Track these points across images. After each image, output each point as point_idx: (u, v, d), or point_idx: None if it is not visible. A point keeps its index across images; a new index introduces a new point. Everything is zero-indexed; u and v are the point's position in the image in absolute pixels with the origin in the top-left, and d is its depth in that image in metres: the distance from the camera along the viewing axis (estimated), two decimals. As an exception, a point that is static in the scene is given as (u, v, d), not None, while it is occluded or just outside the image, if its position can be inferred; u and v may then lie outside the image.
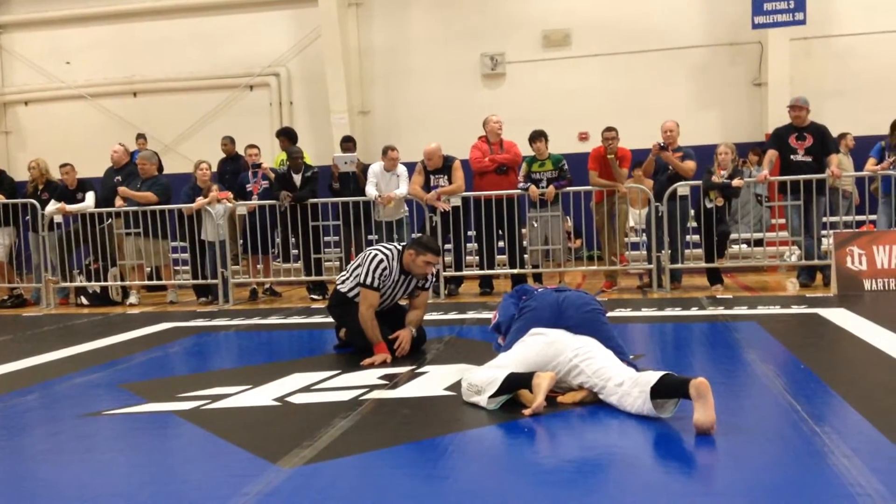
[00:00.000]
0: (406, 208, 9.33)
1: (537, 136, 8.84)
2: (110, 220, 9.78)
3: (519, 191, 8.89)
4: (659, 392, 3.51)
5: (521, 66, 13.07)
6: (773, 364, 4.78)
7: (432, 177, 9.06)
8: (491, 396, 3.82)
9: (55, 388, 4.98)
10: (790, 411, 3.66)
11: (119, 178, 10.20)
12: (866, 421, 3.43)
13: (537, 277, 9.23)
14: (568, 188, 8.91)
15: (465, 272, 9.32)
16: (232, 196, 9.36)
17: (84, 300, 9.83)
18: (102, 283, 9.79)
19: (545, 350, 3.96)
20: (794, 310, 7.03)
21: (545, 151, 8.88)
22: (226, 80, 13.94)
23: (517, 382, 3.81)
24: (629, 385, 3.65)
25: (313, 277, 9.39)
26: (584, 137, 12.43)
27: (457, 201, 8.94)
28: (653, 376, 3.56)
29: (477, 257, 9.42)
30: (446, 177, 9.03)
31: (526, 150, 9.14)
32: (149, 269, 9.86)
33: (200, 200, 9.20)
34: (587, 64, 12.79)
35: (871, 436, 3.24)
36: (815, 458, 3.00)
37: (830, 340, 5.68)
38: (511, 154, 9.08)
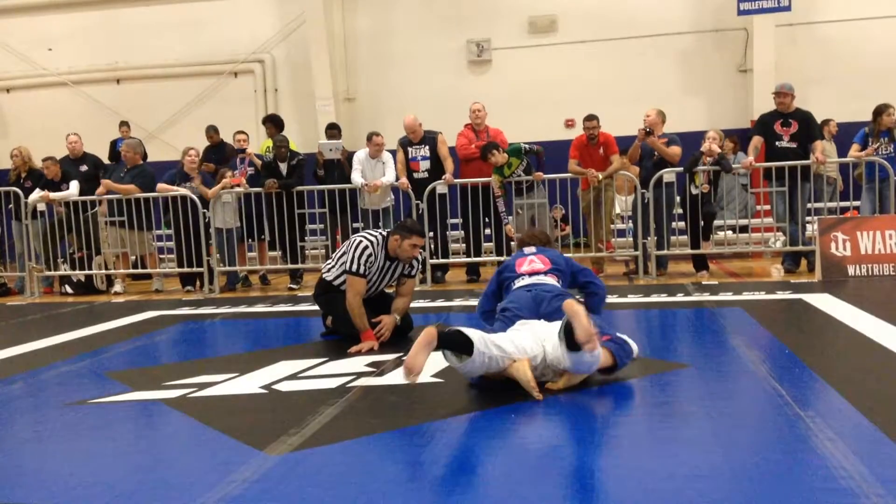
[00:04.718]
0: (392, 196, 9.31)
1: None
2: (95, 209, 9.71)
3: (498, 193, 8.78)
4: (567, 340, 3.68)
5: (507, 53, 13.04)
6: (758, 349, 4.81)
7: (410, 149, 9.08)
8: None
9: (40, 376, 4.95)
10: (775, 395, 3.69)
11: (85, 167, 10.13)
12: (850, 405, 3.46)
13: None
14: (554, 175, 8.91)
15: (452, 259, 9.33)
16: (244, 182, 9.29)
17: (68, 289, 9.78)
18: (87, 272, 9.74)
19: (532, 337, 3.99)
20: (779, 295, 7.07)
21: (501, 155, 8.64)
22: (210, 67, 13.84)
23: (457, 342, 3.77)
24: (559, 349, 3.78)
25: (299, 265, 9.37)
26: (570, 124, 12.42)
27: (443, 189, 8.93)
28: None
29: (463, 245, 9.42)
30: (427, 147, 9.05)
31: (511, 137, 9.14)
32: (133, 257, 9.81)
33: (215, 188, 9.11)
34: (573, 50, 12.77)
35: (855, 419, 3.27)
36: (799, 442, 3.03)
37: (815, 326, 5.72)
38: (497, 141, 9.06)
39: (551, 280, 4.54)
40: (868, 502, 2.42)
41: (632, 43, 12.53)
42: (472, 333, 3.77)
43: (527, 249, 4.88)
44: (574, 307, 3.68)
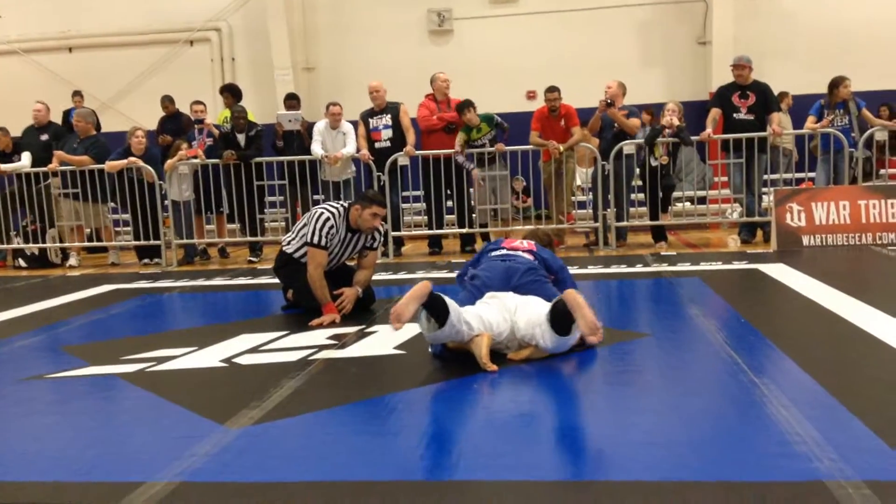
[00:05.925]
0: (353, 168, 9.22)
1: (466, 107, 8.65)
2: (48, 181, 9.50)
3: (463, 159, 8.77)
4: (554, 321, 3.79)
5: (468, 23, 12.94)
6: (714, 318, 4.89)
7: (371, 120, 9.03)
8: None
9: (-7, 352, 4.86)
10: (730, 363, 3.76)
11: (46, 136, 9.89)
12: (803, 372, 3.54)
13: (485, 237, 9.26)
14: (515, 147, 8.91)
15: (414, 231, 9.30)
16: (202, 153, 9.13)
17: (22, 262, 9.59)
18: (41, 245, 9.55)
19: (500, 309, 4.02)
20: (736, 265, 7.18)
21: (475, 118, 8.71)
22: (165, 35, 13.52)
23: (438, 307, 3.77)
24: (538, 328, 3.85)
25: (258, 238, 9.28)
26: (531, 96, 12.41)
27: (405, 160, 8.89)
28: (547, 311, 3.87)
29: (425, 217, 9.40)
30: (389, 116, 9.00)
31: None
32: (88, 230, 9.64)
33: (171, 160, 8.95)
34: (534, 21, 12.71)
35: (808, 386, 3.34)
36: (754, 409, 3.09)
37: (770, 295, 5.82)
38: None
39: (527, 257, 4.56)
40: (821, 466, 2.48)
41: (592, 14, 12.51)
42: (452, 306, 3.79)
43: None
44: (577, 299, 3.72)
